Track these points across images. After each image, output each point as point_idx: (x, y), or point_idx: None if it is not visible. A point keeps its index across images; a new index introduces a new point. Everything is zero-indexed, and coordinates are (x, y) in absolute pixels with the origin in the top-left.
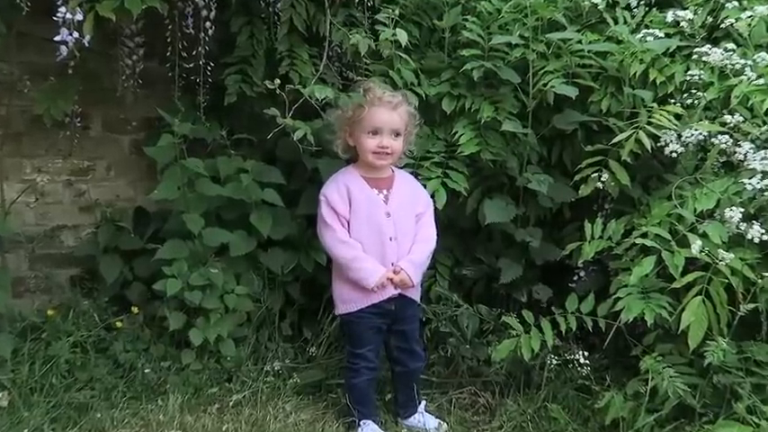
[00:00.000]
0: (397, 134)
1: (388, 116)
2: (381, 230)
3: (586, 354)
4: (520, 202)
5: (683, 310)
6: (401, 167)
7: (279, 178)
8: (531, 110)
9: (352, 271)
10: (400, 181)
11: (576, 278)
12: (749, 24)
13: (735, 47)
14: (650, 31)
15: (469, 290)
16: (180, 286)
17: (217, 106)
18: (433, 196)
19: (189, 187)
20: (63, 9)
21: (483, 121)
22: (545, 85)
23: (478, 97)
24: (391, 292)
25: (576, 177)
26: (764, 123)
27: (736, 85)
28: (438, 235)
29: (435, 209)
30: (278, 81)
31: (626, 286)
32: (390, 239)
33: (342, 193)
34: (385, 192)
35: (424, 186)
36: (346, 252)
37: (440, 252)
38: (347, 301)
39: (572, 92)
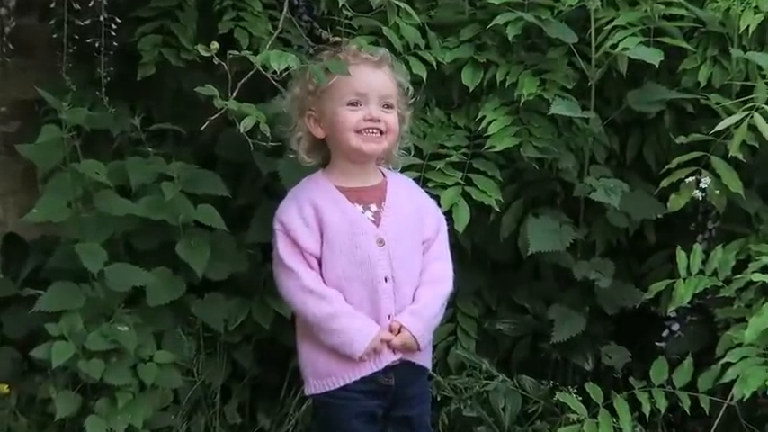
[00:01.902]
0: (389, 105)
1: (373, 76)
2: (371, 267)
3: None
4: (580, 220)
5: None
6: (398, 171)
7: (220, 189)
8: (595, 84)
9: (329, 334)
10: (396, 189)
11: (665, 334)
12: None
13: None
14: None
15: (507, 353)
16: (72, 352)
17: (127, 82)
18: (448, 213)
19: (85, 204)
20: None
21: (523, 100)
22: (614, 46)
23: (516, 65)
24: (390, 358)
25: (664, 183)
26: None
27: None
28: (456, 272)
29: (452, 232)
30: (216, 45)
31: (740, 346)
32: (385, 280)
33: (307, 216)
34: (374, 207)
35: (436, 199)
36: (317, 308)
37: (461, 297)
38: (323, 376)
39: (655, 57)
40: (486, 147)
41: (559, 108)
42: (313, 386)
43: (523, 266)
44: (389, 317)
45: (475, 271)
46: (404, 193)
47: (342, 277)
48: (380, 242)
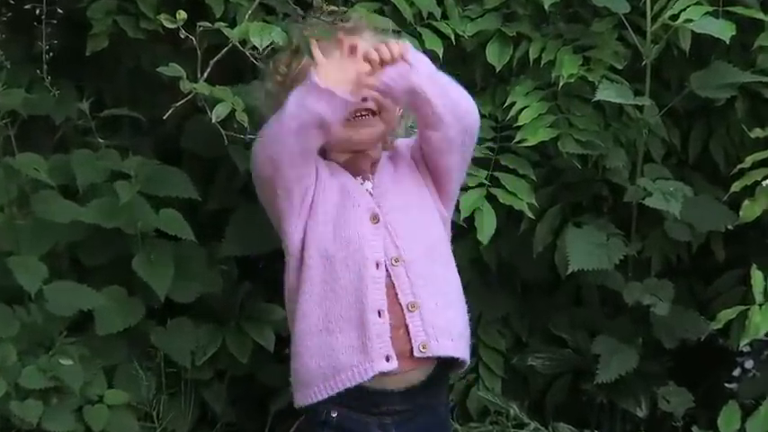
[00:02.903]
0: None
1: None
2: (362, 250)
3: None
4: (632, 232)
5: None
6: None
7: (187, 190)
8: (651, 63)
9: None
10: (386, 161)
11: (737, 373)
12: None
13: None
14: None
15: (541, 395)
16: (3, 391)
17: (73, 58)
18: (469, 221)
19: (20, 207)
20: None
21: (562, 83)
22: (675, 17)
23: (553, 40)
24: (383, 366)
25: (735, 187)
26: None
27: None
28: (479, 294)
29: (474, 245)
30: (184, 14)
31: None
32: (377, 266)
33: (320, 170)
34: (370, 178)
35: (456, 203)
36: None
37: (484, 325)
38: (308, 383)
39: (725, 30)
40: (516, 140)
41: (607, 93)
42: (299, 397)
43: (562, 288)
44: (379, 314)
45: (502, 293)
46: (392, 164)
47: (324, 257)
48: (374, 218)
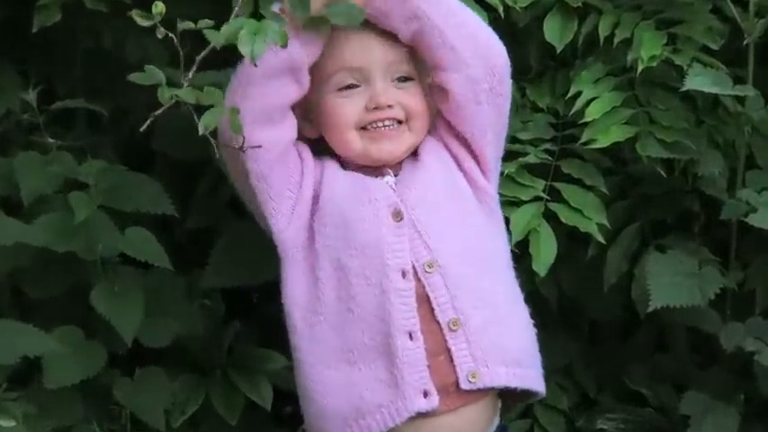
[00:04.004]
0: (405, 77)
1: (370, 37)
2: (383, 255)
3: None
4: (731, 258)
5: None
6: None
7: (160, 203)
8: (755, 43)
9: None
10: (422, 148)
11: None
12: None
13: None
14: None
15: None
16: None
17: (16, 37)
18: (523, 243)
19: None
20: None
21: (641, 68)
22: None
23: (629, 13)
24: (420, 404)
25: None
26: None
27: None
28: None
29: (529, 275)
30: (161, 6)
31: None
32: (403, 275)
33: (307, 151)
34: (391, 174)
35: (506, 222)
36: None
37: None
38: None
39: None
40: (581, 141)
41: (699, 81)
42: None
43: (640, 331)
44: (411, 336)
45: (563, 337)
46: (429, 145)
47: (336, 268)
48: (397, 215)
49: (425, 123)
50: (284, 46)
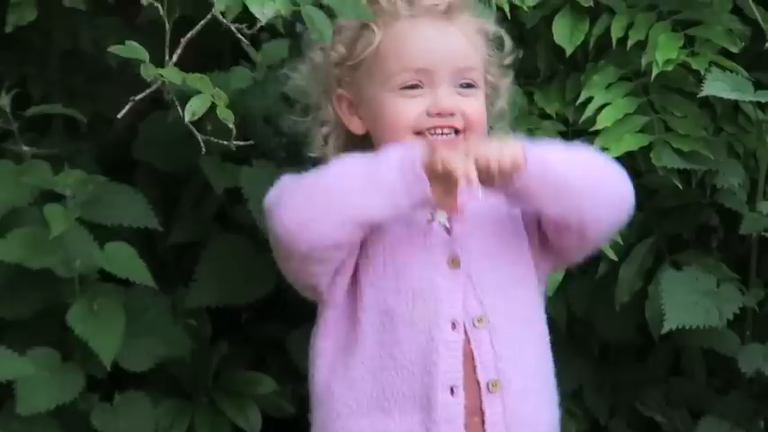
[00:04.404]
0: (470, 83)
1: (443, 38)
2: (432, 303)
3: None
4: (751, 276)
5: None
6: None
7: (143, 216)
8: None
9: (333, 173)
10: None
11: None
12: None
13: None
14: None
15: None
16: None
17: None
18: None
19: None
20: None
21: (656, 72)
22: None
23: (644, 13)
24: None
25: None
26: None
27: None
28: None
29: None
30: None
31: None
32: (453, 327)
33: None
34: (444, 214)
35: None
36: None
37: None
38: None
39: None
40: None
41: (718, 87)
42: None
43: (655, 353)
44: (452, 391)
45: (573, 360)
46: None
47: (382, 312)
48: (454, 262)
49: (482, 135)
50: (287, 12)
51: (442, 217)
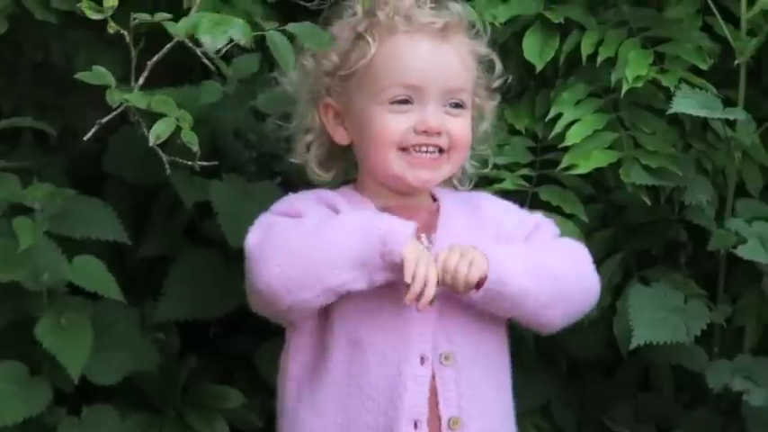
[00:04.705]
0: (458, 103)
1: (436, 57)
2: (403, 337)
3: None
4: (718, 292)
5: None
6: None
7: (111, 229)
8: (746, 64)
9: (326, 242)
10: (453, 213)
11: None
12: None
13: None
14: None
15: None
16: None
17: None
18: None
19: None
20: None
21: (625, 89)
22: None
23: (614, 30)
24: None
25: None
26: None
27: None
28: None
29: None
30: (113, 1)
31: None
32: (421, 361)
33: (323, 210)
34: (421, 233)
35: None
36: (298, 227)
37: (519, 416)
38: None
39: None
40: (561, 166)
41: (687, 104)
42: None
43: (623, 368)
44: (416, 425)
45: (541, 375)
46: (463, 217)
47: (352, 342)
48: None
49: (465, 156)
50: (247, 42)
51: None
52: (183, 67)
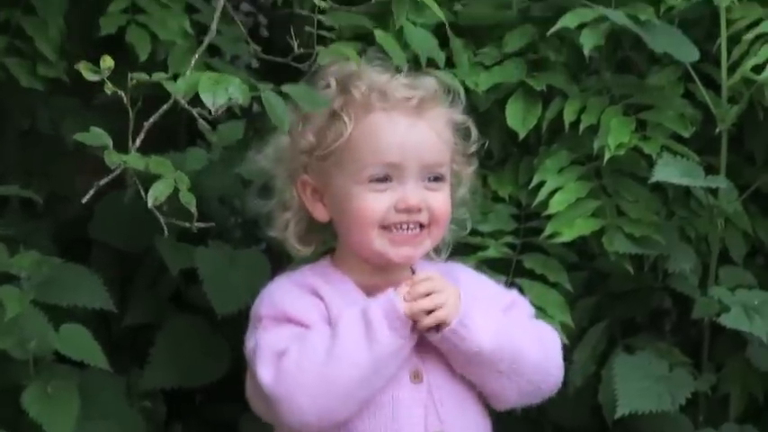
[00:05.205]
0: (437, 177)
1: (413, 133)
2: (395, 418)
3: None
4: (703, 360)
5: None
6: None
7: (98, 297)
8: (728, 131)
9: (339, 360)
10: None
11: None
12: None
13: None
14: None
15: None
16: None
17: None
18: None
19: None
20: None
21: (608, 156)
22: (759, 68)
23: (596, 97)
24: None
25: None
26: None
27: None
28: None
29: None
30: (110, 61)
31: None
32: None
33: (308, 297)
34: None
35: None
36: (309, 354)
37: None
38: None
39: None
40: (545, 234)
41: (669, 171)
42: None
43: None
44: None
45: None
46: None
47: (342, 426)
48: (416, 376)
49: (445, 229)
50: (245, 101)
51: None
52: (169, 134)
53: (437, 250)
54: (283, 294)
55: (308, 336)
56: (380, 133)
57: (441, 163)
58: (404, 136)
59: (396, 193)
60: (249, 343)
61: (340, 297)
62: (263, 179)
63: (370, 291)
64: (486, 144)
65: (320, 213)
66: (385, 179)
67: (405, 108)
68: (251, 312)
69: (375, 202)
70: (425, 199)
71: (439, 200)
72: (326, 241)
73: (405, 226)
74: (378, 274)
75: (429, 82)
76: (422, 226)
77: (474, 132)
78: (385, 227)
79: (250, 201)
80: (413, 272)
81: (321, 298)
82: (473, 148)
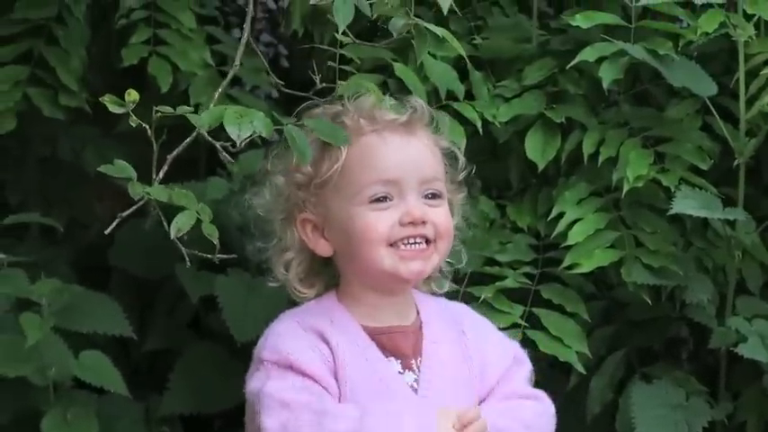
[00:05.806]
0: (435, 194)
1: (408, 149)
2: None
3: None
4: (720, 388)
5: None
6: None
7: (117, 324)
8: (746, 164)
9: None
10: (435, 330)
11: None
12: None
13: None
14: None
15: None
16: None
17: None
18: None
19: None
20: None
21: (627, 188)
22: None
23: (615, 129)
24: None
25: None
26: None
27: None
28: None
29: None
30: (135, 95)
31: None
32: None
33: (321, 350)
34: (410, 359)
35: None
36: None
37: None
38: None
39: None
40: (563, 265)
41: (687, 203)
42: None
43: None
44: None
45: None
46: (448, 342)
47: None
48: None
49: (450, 244)
50: (269, 134)
51: (409, 377)
52: (190, 162)
53: (438, 283)
54: (287, 339)
55: (329, 412)
56: (375, 153)
57: (436, 177)
58: (399, 152)
59: (398, 209)
60: (251, 384)
61: (347, 342)
62: (261, 224)
63: (377, 337)
64: (505, 174)
65: (323, 248)
66: (385, 198)
67: (395, 127)
68: (255, 351)
69: (378, 221)
70: (428, 213)
71: (441, 215)
72: (328, 283)
73: (411, 240)
74: (385, 311)
75: (415, 104)
76: (428, 241)
77: (461, 159)
78: (392, 244)
79: (249, 249)
80: (417, 312)
81: (327, 342)
82: (461, 176)
